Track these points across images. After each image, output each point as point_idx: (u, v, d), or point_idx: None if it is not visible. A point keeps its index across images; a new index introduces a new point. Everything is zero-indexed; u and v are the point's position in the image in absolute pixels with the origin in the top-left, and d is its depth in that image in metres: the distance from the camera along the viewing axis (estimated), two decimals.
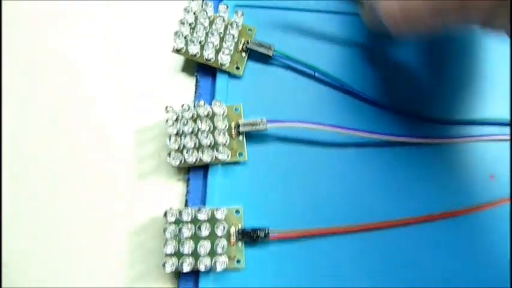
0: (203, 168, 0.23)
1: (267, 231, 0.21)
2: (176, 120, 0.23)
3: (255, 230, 0.22)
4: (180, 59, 0.25)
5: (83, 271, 0.22)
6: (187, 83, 0.25)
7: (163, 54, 0.25)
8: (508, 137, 0.24)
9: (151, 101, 0.24)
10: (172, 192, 0.23)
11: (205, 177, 0.23)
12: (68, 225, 0.23)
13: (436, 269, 0.23)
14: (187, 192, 0.23)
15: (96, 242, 0.23)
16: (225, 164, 0.23)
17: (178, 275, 0.22)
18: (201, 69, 0.25)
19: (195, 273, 0.22)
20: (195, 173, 0.23)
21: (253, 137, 0.23)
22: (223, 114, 0.22)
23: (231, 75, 0.24)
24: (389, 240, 0.23)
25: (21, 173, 0.24)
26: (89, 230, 0.23)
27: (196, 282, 0.22)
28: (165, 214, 0.21)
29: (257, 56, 0.24)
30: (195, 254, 0.21)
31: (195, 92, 0.24)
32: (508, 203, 0.24)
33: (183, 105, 0.22)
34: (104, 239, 0.23)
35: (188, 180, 0.23)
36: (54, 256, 0.23)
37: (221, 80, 0.24)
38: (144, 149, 0.24)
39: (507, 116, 0.25)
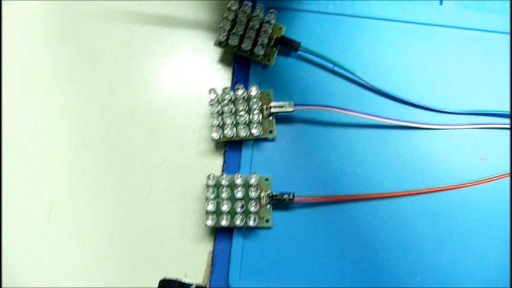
0: (238, 144, 0.27)
1: (292, 196, 0.26)
2: (217, 102, 0.27)
3: (282, 194, 0.26)
4: (219, 52, 0.29)
5: (135, 227, 0.27)
6: (224, 73, 0.29)
7: (206, 47, 0.29)
8: (494, 126, 0.28)
9: (195, 86, 0.29)
10: (210, 164, 0.28)
11: (239, 150, 0.27)
12: (124, 188, 0.27)
13: (435, 235, 0.27)
14: (224, 162, 0.27)
15: (146, 204, 0.27)
16: (257, 139, 0.27)
17: (215, 232, 0.26)
18: (237, 60, 0.29)
19: (229, 232, 0.26)
20: (231, 147, 0.27)
21: (281, 118, 0.28)
22: (257, 97, 0.27)
23: (263, 65, 0.28)
24: (393, 210, 0.27)
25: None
26: (141, 193, 0.27)
27: (231, 238, 0.26)
28: (208, 177, 0.25)
29: (285, 51, 0.29)
30: (232, 212, 0.25)
31: (232, 80, 0.29)
32: (495, 181, 0.28)
33: (224, 88, 0.26)
34: (151, 202, 0.27)
35: (225, 152, 0.27)
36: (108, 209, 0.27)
37: (255, 69, 0.28)
38: (187, 127, 0.28)
39: (498, 108, 0.29)
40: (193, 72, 0.29)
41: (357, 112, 0.27)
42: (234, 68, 0.29)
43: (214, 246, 0.26)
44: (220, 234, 0.26)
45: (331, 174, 0.27)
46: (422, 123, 0.28)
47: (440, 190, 0.27)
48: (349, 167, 0.27)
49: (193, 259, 0.26)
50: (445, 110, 0.29)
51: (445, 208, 0.27)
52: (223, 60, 0.29)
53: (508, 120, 0.29)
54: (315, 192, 0.27)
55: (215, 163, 0.28)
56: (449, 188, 0.27)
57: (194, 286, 0.26)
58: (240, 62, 0.29)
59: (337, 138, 0.28)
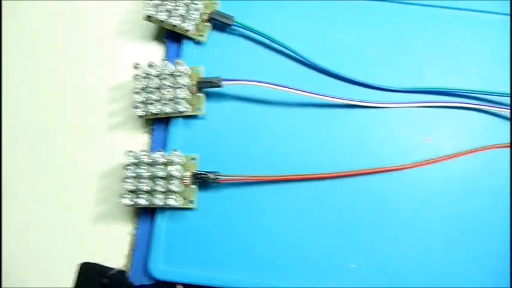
0: (166, 121, 0.26)
1: (216, 174, 0.24)
2: (143, 77, 0.25)
3: (206, 173, 0.24)
4: (152, 27, 0.28)
5: (56, 207, 0.25)
6: (157, 49, 0.28)
7: (136, 23, 0.28)
8: (440, 104, 0.27)
9: (124, 63, 0.27)
10: (138, 142, 0.26)
11: (167, 128, 0.26)
12: (46, 166, 0.26)
13: (374, 219, 0.25)
14: (151, 141, 0.26)
15: (67, 184, 0.26)
16: (186, 117, 0.26)
17: (138, 213, 0.25)
18: (170, 36, 0.28)
19: (152, 212, 0.25)
20: (158, 125, 0.26)
21: (213, 95, 0.26)
22: (185, 73, 0.25)
23: (196, 41, 0.27)
24: (330, 191, 0.25)
25: None
26: (61, 172, 0.26)
27: (153, 220, 0.24)
28: (127, 154, 0.24)
29: (221, 26, 0.28)
30: (152, 192, 0.24)
31: (165, 56, 0.28)
32: (440, 163, 0.26)
33: (150, 62, 0.25)
34: (74, 182, 0.26)
35: (153, 130, 0.26)
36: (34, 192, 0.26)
37: (187, 45, 0.27)
38: (114, 104, 0.27)
39: (442, 85, 0.27)
40: (124, 48, 0.28)
41: (292, 88, 0.26)
42: (166, 43, 0.28)
43: (136, 228, 0.25)
44: (143, 215, 0.25)
45: (264, 153, 0.26)
46: (363, 101, 0.26)
47: (381, 171, 0.26)
48: (284, 147, 0.26)
49: (117, 242, 0.25)
50: (388, 88, 0.27)
51: (387, 190, 0.26)
52: (156, 35, 0.28)
53: (454, 99, 0.27)
54: (246, 172, 0.25)
55: (143, 142, 0.26)
56: (391, 169, 0.26)
57: (115, 270, 0.24)
58: (173, 37, 0.28)
59: (272, 116, 0.26)
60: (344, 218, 0.25)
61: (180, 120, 0.26)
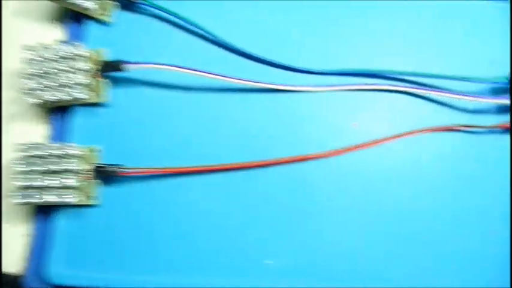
0: (66, 110, 0.23)
1: (119, 167, 0.22)
2: (40, 61, 0.23)
3: (106, 166, 0.22)
4: (52, 7, 0.25)
5: None
6: (59, 31, 0.25)
7: (33, 1, 0.25)
8: (368, 87, 0.25)
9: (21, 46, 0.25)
10: (38, 134, 0.24)
11: (67, 118, 0.23)
12: None
13: (298, 210, 0.24)
14: (50, 132, 0.23)
15: None
16: (88, 105, 0.23)
17: (35, 212, 0.23)
18: (72, 16, 0.25)
19: (50, 211, 0.22)
20: (59, 114, 0.24)
21: (120, 80, 0.24)
22: (83, 56, 0.23)
23: (101, 22, 0.25)
24: (250, 182, 0.24)
25: None
26: None
27: (51, 219, 0.22)
28: (18, 148, 0.22)
29: (128, 5, 0.25)
30: (46, 188, 0.21)
31: (66, 38, 0.25)
32: (365, 148, 0.25)
33: (43, 44, 0.23)
34: None
35: (51, 120, 0.24)
36: None
37: (91, 26, 0.24)
38: (11, 92, 0.24)
39: (371, 67, 0.26)
40: (21, 30, 0.25)
41: (206, 72, 0.23)
42: (67, 24, 0.25)
43: (33, 228, 0.22)
44: (40, 214, 0.22)
45: (178, 143, 0.24)
46: (286, 85, 0.25)
47: (304, 159, 0.24)
48: (199, 136, 0.24)
49: (11, 245, 0.22)
50: (313, 70, 0.25)
51: (311, 180, 0.24)
52: (57, 16, 0.25)
53: (384, 81, 0.26)
54: (157, 164, 0.23)
55: (43, 134, 0.24)
56: (315, 156, 0.24)
57: (9, 276, 0.22)
58: (75, 18, 0.25)
59: (186, 103, 0.24)
60: (263, 210, 0.23)
61: (82, 108, 0.23)
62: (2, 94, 0.24)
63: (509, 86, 0.26)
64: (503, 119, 0.26)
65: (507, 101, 0.26)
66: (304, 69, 0.25)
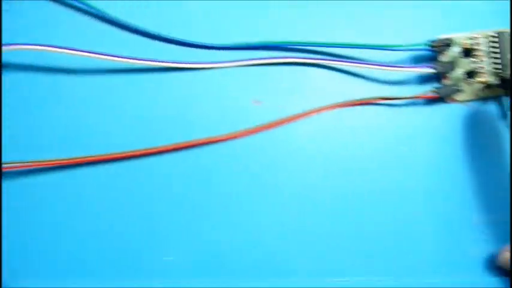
0: None
1: None
2: None
3: None
4: None
5: None
6: None
7: None
8: (271, 61, 0.23)
9: None
10: None
11: None
12: None
13: (195, 200, 0.22)
14: None
15: None
16: None
17: None
18: None
19: None
20: None
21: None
22: None
23: None
24: (141, 171, 0.22)
25: None
26: None
27: None
28: None
29: None
30: None
31: None
32: (272, 128, 0.23)
33: None
34: None
35: None
36: None
37: None
38: None
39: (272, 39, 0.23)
40: None
41: (90, 52, 0.22)
42: None
43: None
44: None
45: (65, 132, 0.22)
46: (181, 63, 0.23)
47: (203, 143, 0.22)
48: (87, 123, 0.22)
49: None
50: (210, 45, 0.23)
51: (211, 165, 0.22)
52: None
53: (291, 54, 0.24)
54: (43, 157, 0.21)
55: None
56: (214, 139, 0.22)
57: None
58: None
59: (72, 88, 0.22)
60: (162, 201, 0.22)
61: None
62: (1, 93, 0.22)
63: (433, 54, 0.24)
64: (425, 89, 0.24)
65: (428, 70, 0.24)
66: (202, 44, 0.23)
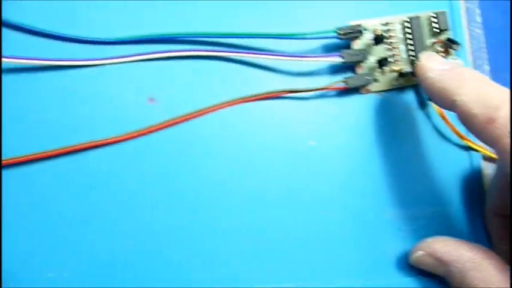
0: None
1: None
2: None
3: None
4: None
5: None
6: None
7: None
8: (166, 54, 0.21)
9: None
10: None
11: None
12: None
13: (80, 211, 0.20)
14: None
15: None
16: None
17: None
18: None
19: None
20: None
21: None
22: None
23: None
24: (22, 179, 0.20)
25: None
26: None
27: None
28: None
29: None
30: None
31: None
32: (169, 127, 0.21)
33: None
34: None
35: None
36: None
37: None
38: None
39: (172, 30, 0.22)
40: None
41: None
42: None
43: None
44: None
45: None
46: (65, 60, 0.21)
47: (89, 146, 0.20)
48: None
49: None
50: (98, 40, 0.21)
51: (98, 171, 0.21)
52: None
53: (189, 46, 0.22)
54: None
55: None
56: (101, 142, 0.20)
57: None
58: None
59: None
60: (42, 213, 0.20)
61: None
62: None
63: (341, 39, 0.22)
64: (336, 79, 0.22)
65: (336, 59, 0.22)
66: (91, 39, 0.21)
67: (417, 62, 0.21)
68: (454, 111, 0.19)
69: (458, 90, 0.18)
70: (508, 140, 0.17)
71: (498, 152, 0.17)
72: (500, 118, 0.17)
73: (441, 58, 0.21)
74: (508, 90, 0.18)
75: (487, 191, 0.22)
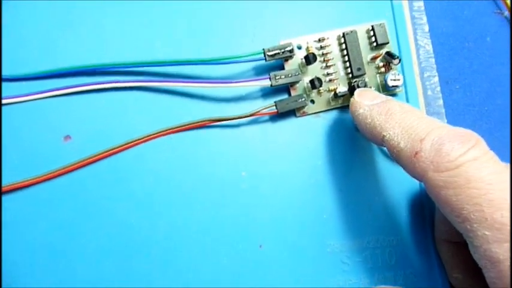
0: None
1: None
2: None
3: None
4: None
5: None
6: None
7: None
8: (82, 88, 0.20)
9: None
10: None
11: None
12: None
13: None
14: None
15: None
16: None
17: None
18: None
19: None
20: None
21: None
22: None
23: None
24: None
25: None
26: None
27: None
28: None
29: None
30: None
31: None
32: (83, 167, 0.20)
33: None
34: None
35: None
36: None
37: None
38: None
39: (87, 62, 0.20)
40: None
41: None
42: None
43: None
44: None
45: None
46: None
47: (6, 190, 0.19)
48: None
49: None
50: (9, 76, 0.20)
51: (11, 219, 0.19)
52: None
53: (106, 78, 0.20)
54: None
55: None
56: (16, 186, 0.19)
57: None
58: None
59: None
60: None
61: None
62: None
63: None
64: (269, 103, 0.21)
65: (267, 82, 0.21)
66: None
67: (351, 99, 0.20)
68: (385, 147, 0.18)
69: (386, 125, 0.17)
70: (432, 174, 0.15)
71: (426, 186, 0.16)
72: (424, 150, 0.15)
73: (374, 93, 0.19)
74: (433, 121, 0.17)
75: (435, 217, 0.21)
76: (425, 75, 0.24)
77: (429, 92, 0.23)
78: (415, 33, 0.24)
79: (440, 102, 0.23)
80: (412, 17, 0.24)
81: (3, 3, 0.20)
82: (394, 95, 0.22)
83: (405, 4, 0.23)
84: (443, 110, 0.23)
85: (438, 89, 0.23)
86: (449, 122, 0.23)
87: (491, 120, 0.24)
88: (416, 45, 0.24)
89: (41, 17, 0.20)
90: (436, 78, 0.24)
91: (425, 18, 0.24)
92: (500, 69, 0.24)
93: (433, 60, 0.24)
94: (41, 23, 0.20)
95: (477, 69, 0.24)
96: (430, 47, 0.24)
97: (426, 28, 0.24)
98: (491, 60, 0.24)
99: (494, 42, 0.25)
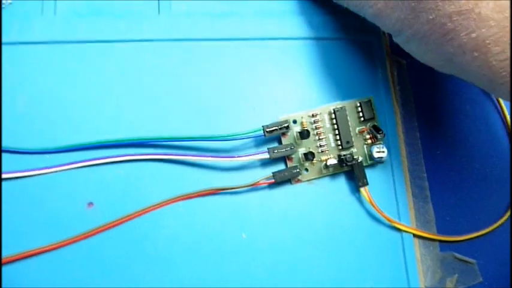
0: None
1: None
2: None
3: None
4: None
5: None
6: None
7: None
8: (106, 160, 0.23)
9: None
10: None
11: None
12: None
13: None
14: None
15: None
16: None
17: None
18: None
19: None
20: None
21: None
22: None
23: None
24: None
25: None
26: None
27: None
28: None
29: None
30: None
31: None
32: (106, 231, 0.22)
33: None
34: None
35: None
36: None
37: None
38: None
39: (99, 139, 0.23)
40: None
41: None
42: None
43: None
44: None
45: None
46: (5, 173, 0.22)
47: (31, 254, 0.22)
48: None
49: None
50: (31, 150, 0.22)
51: (38, 281, 0.22)
52: None
53: (122, 151, 0.23)
54: None
55: None
56: (42, 250, 0.22)
57: None
58: None
59: None
60: None
61: None
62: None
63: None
64: (267, 173, 0.24)
65: (266, 155, 0.23)
66: (18, 150, 0.22)
67: None
68: None
69: None
70: None
71: None
72: None
73: None
74: None
75: None
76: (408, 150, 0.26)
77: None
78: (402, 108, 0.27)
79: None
80: (398, 91, 0.27)
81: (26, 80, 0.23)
82: (380, 163, 0.25)
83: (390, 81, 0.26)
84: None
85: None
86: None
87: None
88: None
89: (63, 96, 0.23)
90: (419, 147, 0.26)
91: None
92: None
93: (418, 129, 0.27)
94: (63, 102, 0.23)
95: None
96: (414, 116, 0.27)
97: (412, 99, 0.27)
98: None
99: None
